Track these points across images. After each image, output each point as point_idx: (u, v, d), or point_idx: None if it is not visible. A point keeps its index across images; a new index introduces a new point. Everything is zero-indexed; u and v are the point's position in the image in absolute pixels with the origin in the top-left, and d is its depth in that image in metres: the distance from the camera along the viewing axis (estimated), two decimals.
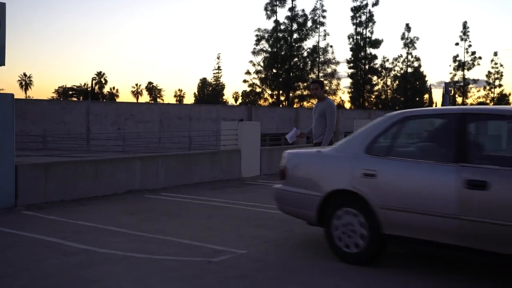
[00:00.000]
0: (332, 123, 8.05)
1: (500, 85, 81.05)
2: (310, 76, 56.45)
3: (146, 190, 10.38)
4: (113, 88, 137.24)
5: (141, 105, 33.31)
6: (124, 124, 31.31)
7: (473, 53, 75.64)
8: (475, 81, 76.77)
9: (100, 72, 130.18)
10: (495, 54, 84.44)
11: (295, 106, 53.86)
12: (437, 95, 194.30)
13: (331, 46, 56.95)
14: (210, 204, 8.89)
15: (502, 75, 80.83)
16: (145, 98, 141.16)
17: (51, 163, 9.12)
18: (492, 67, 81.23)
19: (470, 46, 76.02)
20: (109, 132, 30.54)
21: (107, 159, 9.90)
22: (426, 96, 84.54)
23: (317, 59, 56.11)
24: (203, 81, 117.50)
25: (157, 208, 8.48)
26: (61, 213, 8.01)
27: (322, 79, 9.86)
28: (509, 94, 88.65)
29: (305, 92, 56.71)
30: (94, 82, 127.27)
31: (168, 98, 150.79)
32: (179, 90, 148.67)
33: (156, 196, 9.82)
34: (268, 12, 53.86)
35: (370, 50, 61.33)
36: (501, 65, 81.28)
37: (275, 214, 7.91)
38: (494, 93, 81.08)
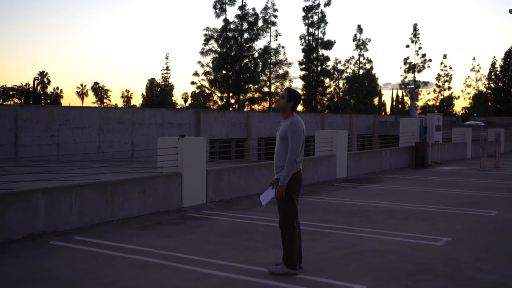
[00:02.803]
0: (294, 151, 5.68)
1: (449, 88, 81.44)
2: (262, 77, 54.30)
3: (54, 233, 7.82)
4: (57, 88, 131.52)
5: (77, 109, 30.26)
6: (59, 130, 28.33)
7: (424, 55, 75.54)
8: (425, 84, 76.65)
9: (43, 71, 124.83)
10: (445, 56, 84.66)
11: (245, 109, 51.66)
12: (387, 98, 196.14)
13: (283, 47, 54.88)
14: (135, 260, 6.43)
15: (451, 78, 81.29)
16: (90, 99, 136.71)
17: None
18: (442, 70, 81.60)
19: (420, 48, 75.94)
20: (41, 139, 27.56)
21: None
22: (377, 98, 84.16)
23: (269, 60, 54.03)
24: (152, 82, 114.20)
25: (58, 272, 5.97)
26: None
27: (296, 90, 7.76)
28: (458, 97, 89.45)
29: (256, 95, 54.56)
30: (36, 82, 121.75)
31: (115, 99, 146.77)
32: (126, 90, 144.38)
33: (66, 243, 7.29)
34: (217, 11, 51.40)
35: (322, 52, 59.92)
36: (450, 68, 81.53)
37: (226, 281, 5.53)
38: (443, 95, 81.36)
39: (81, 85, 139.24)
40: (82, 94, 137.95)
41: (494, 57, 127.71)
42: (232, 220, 8.95)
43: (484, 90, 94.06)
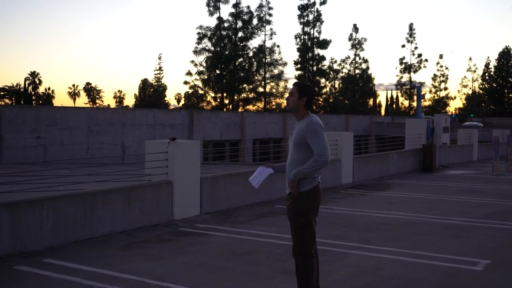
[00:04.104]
0: (325, 150, 4.47)
1: (445, 88, 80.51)
2: (256, 77, 53.06)
3: (21, 254, 6.62)
4: (48, 88, 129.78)
5: (65, 110, 28.99)
6: (46, 131, 27.08)
7: (420, 55, 74.63)
8: (421, 84, 75.69)
9: (34, 72, 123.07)
10: (441, 56, 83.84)
11: (240, 110, 50.46)
12: (380, 98, 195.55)
13: (278, 46, 53.64)
14: None
15: (447, 78, 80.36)
16: (83, 99, 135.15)
17: None
18: (438, 70, 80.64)
19: (416, 48, 75.10)
20: (27, 141, 26.29)
21: None
22: (372, 99, 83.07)
23: (264, 59, 52.80)
24: (144, 82, 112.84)
25: None
26: None
27: (308, 83, 5.70)
28: (454, 98, 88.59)
29: (251, 95, 53.35)
30: (27, 82, 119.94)
31: (108, 99, 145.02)
32: (118, 91, 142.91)
33: (33, 268, 6.09)
34: (211, 8, 50.10)
35: (318, 51, 58.75)
36: (447, 68, 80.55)
37: None
38: (439, 96, 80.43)
39: (73, 85, 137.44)
40: (74, 95, 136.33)
41: (488, 57, 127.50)
42: (231, 237, 7.78)
43: (478, 91, 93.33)
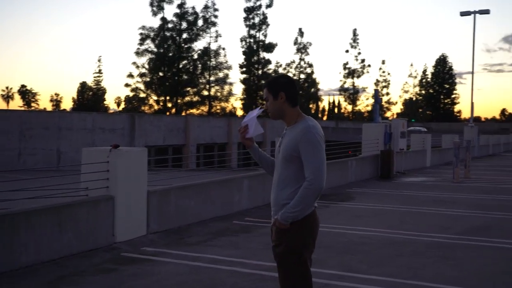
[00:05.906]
0: (320, 171, 3.26)
1: (387, 93, 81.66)
2: (201, 80, 51.63)
3: None
4: None
5: None
6: None
7: (363, 60, 75.33)
8: (364, 89, 76.46)
9: None
10: (383, 62, 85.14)
11: (183, 114, 48.87)
12: (324, 103, 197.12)
13: (223, 49, 52.49)
14: None
15: (389, 84, 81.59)
16: (17, 102, 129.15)
17: None
18: (380, 75, 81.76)
19: (359, 53, 75.72)
20: None
21: None
22: (315, 104, 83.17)
23: (208, 62, 51.42)
24: (83, 85, 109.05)
25: None
26: None
27: (289, 76, 3.63)
28: (396, 103, 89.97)
29: (195, 98, 51.87)
30: None
31: (44, 102, 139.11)
32: (55, 94, 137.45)
33: None
34: (154, 8, 48.37)
35: (263, 55, 57.98)
36: (389, 74, 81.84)
37: None
38: (382, 101, 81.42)
39: (7, 88, 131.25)
40: (7, 98, 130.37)
41: (425, 64, 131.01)
42: (185, 264, 6.46)
43: (415, 96, 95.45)
